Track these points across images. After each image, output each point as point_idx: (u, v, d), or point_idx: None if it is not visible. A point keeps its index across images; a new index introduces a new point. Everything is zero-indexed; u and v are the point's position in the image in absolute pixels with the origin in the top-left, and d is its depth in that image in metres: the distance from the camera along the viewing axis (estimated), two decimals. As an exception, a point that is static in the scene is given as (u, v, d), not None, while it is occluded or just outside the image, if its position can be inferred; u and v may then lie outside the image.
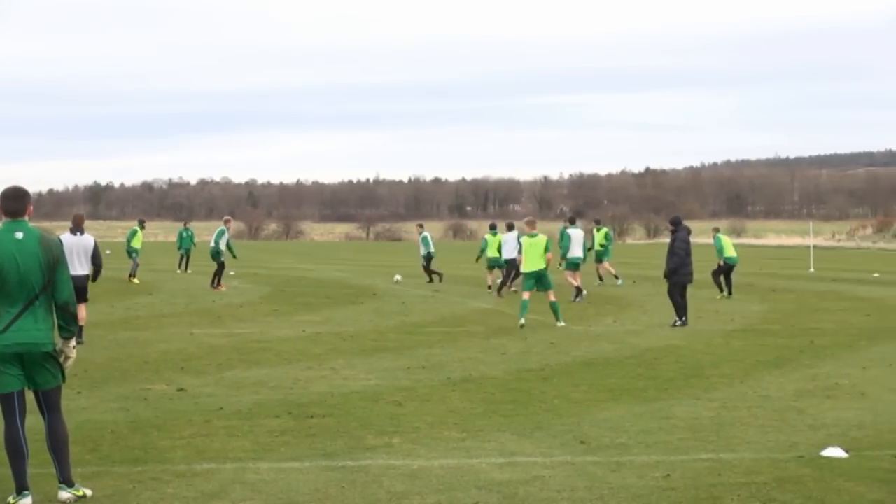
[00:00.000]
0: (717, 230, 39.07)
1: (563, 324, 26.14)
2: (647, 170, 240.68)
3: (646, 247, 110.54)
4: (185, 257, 51.36)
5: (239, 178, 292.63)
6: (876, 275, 51.92)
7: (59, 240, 10.18)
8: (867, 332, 25.27)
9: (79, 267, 21.06)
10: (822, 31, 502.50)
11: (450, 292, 37.84)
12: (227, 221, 41.24)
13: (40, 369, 9.77)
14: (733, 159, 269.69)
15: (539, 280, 26.29)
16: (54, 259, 9.81)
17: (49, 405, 9.89)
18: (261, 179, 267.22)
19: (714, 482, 10.68)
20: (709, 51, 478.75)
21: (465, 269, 54.25)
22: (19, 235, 9.74)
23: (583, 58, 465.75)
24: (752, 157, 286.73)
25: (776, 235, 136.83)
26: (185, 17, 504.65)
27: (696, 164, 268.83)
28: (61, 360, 9.90)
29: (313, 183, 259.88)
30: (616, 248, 50.82)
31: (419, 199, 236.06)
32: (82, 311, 19.95)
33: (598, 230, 43.90)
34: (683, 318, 26.34)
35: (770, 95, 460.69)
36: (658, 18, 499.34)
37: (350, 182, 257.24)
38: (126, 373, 17.97)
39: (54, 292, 9.83)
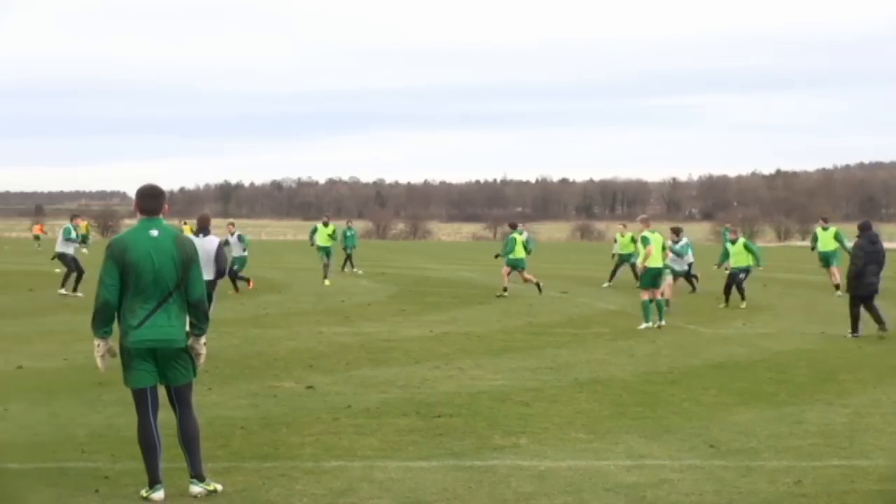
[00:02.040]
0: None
1: (662, 323, 25.90)
2: (778, 171, 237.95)
3: (776, 249, 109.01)
4: (349, 256, 50.61)
5: (367, 177, 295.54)
6: None
7: (192, 240, 10.29)
8: None
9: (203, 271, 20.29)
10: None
11: (577, 293, 37.69)
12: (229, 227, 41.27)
13: (173, 365, 9.91)
14: (866, 161, 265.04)
15: (656, 278, 26.13)
16: (188, 257, 9.93)
17: (181, 400, 10.02)
18: (388, 179, 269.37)
19: (846, 489, 10.51)
20: (841, 50, 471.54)
21: (591, 270, 54.00)
22: (155, 233, 9.86)
23: (713, 57, 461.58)
24: (886, 158, 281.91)
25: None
26: (316, 19, 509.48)
27: (828, 165, 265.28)
28: (193, 356, 10.03)
29: (441, 183, 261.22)
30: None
31: (546, 200, 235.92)
32: None
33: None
34: (855, 332, 24.17)
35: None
36: (789, 16, 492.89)
37: (477, 182, 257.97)
38: (256, 370, 18.16)
39: (187, 290, 9.94)
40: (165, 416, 10.14)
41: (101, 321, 9.86)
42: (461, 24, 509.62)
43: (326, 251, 43.49)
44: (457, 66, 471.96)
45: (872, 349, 22.01)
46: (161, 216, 10.08)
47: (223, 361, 18.83)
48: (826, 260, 38.80)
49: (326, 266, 43.13)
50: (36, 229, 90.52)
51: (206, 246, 19.59)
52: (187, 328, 10.09)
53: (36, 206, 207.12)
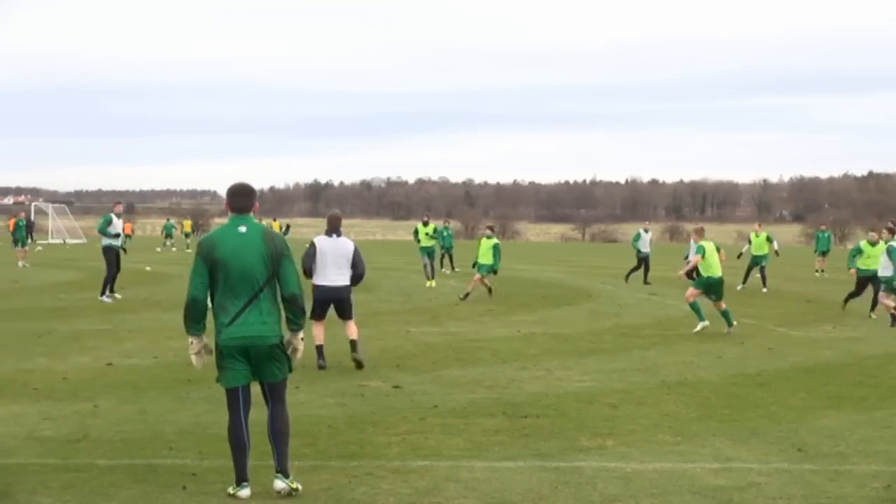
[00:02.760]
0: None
1: (735, 324, 25.66)
2: (871, 173, 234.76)
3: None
4: (448, 255, 50.86)
5: (456, 177, 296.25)
6: None
7: (283, 237, 10.26)
8: None
9: (336, 276, 18.65)
10: None
11: (665, 295, 37.49)
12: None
13: (267, 362, 9.92)
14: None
15: (713, 287, 25.88)
16: (278, 252, 9.92)
17: (274, 396, 10.07)
18: (477, 179, 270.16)
19: (937, 495, 10.39)
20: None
21: (680, 271, 53.71)
22: (243, 230, 9.90)
23: (804, 58, 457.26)
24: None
25: None
26: (406, 19, 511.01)
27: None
28: (289, 351, 10.05)
29: (530, 183, 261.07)
30: (837, 252, 49.39)
31: (636, 201, 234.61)
32: (353, 329, 18.97)
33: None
34: None
35: None
36: (878, 15, 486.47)
37: (566, 183, 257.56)
38: (343, 369, 18.26)
39: (280, 285, 9.96)
40: (256, 414, 10.23)
41: (192, 318, 9.95)
42: (551, 24, 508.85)
43: (428, 251, 43.30)
44: (547, 67, 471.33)
45: (966, 353, 21.70)
46: (252, 214, 10.11)
47: (311, 360, 18.96)
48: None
49: (427, 266, 42.84)
50: (126, 228, 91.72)
51: (343, 248, 18.55)
52: (282, 324, 10.05)
53: (127, 205, 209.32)
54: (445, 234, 50.23)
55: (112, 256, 31.75)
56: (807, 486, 10.64)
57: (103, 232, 31.84)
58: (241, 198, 10.10)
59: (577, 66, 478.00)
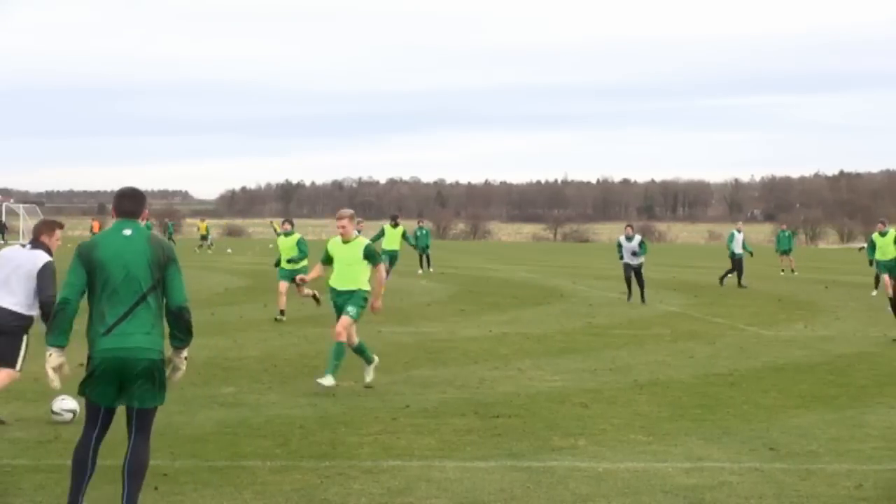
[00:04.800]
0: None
1: None
2: (842, 172, 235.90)
3: (839, 251, 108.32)
4: (426, 256, 50.52)
5: (427, 177, 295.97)
6: None
7: (171, 243, 9.38)
8: None
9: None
10: None
11: (637, 295, 37.54)
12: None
13: (140, 384, 8.82)
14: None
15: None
16: (165, 258, 8.88)
17: (140, 426, 8.97)
18: (449, 179, 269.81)
19: (908, 493, 10.43)
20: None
21: (651, 271, 53.86)
22: (127, 232, 8.90)
23: (776, 58, 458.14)
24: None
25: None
26: (378, 19, 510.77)
27: (893, 166, 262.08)
28: (169, 370, 9.00)
29: (501, 183, 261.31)
30: (808, 252, 49.53)
31: (607, 201, 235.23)
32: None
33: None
34: None
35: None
36: (850, 16, 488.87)
37: (538, 182, 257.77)
38: (315, 369, 18.21)
39: (167, 295, 8.91)
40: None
41: (57, 326, 9.11)
42: (521, 24, 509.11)
43: (392, 256, 40.96)
44: (518, 67, 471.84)
45: (936, 352, 21.79)
46: (140, 220, 9.16)
47: (282, 361, 18.93)
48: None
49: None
50: (94, 226, 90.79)
51: (30, 260, 13.02)
52: (164, 340, 8.99)
53: (99, 205, 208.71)
54: (419, 234, 50.18)
55: None
56: (778, 485, 10.66)
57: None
58: (128, 201, 9.11)
59: (549, 65, 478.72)
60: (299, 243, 27.68)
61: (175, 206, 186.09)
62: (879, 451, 12.37)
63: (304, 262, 27.46)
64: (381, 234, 41.34)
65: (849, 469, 11.41)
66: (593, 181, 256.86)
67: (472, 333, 24.42)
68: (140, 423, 8.94)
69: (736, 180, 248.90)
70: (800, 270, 53.43)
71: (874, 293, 37.62)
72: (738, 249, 43.33)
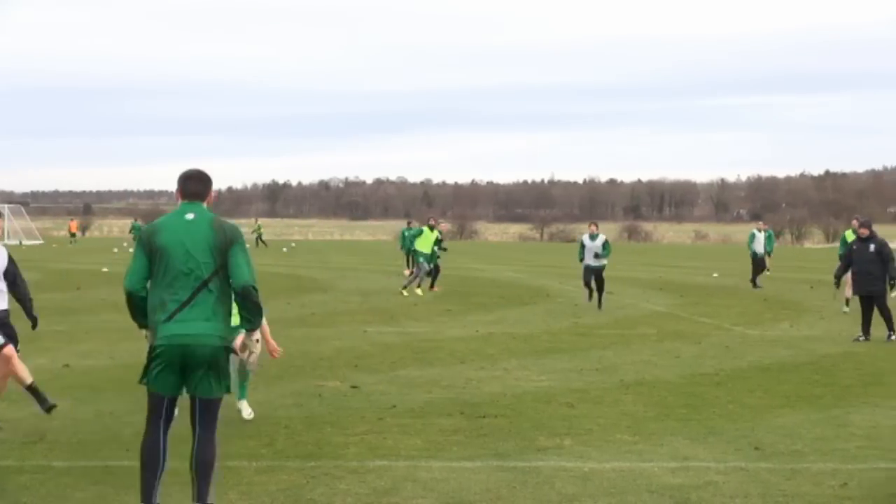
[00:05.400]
0: None
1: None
2: (827, 172, 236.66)
3: (825, 251, 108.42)
4: (412, 256, 50.49)
5: (414, 177, 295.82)
6: None
7: (235, 225, 9.00)
8: None
9: None
10: None
11: (623, 294, 37.60)
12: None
13: (203, 372, 8.64)
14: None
15: None
16: (228, 241, 8.66)
17: (205, 418, 8.78)
18: (436, 179, 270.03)
19: (893, 492, 10.46)
20: (892, 49, 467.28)
21: (638, 271, 53.91)
22: (190, 216, 8.72)
23: (762, 58, 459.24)
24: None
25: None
26: (365, 19, 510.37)
27: (878, 166, 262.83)
28: (244, 355, 8.79)
29: (488, 183, 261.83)
30: (794, 251, 49.45)
31: (594, 200, 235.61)
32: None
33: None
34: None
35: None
36: (838, 16, 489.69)
37: (525, 183, 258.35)
38: (301, 369, 18.21)
39: (231, 276, 8.65)
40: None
41: (133, 313, 8.83)
42: (509, 25, 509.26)
43: (428, 258, 38.70)
44: (505, 67, 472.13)
45: (921, 352, 21.83)
46: (205, 203, 8.93)
47: (268, 361, 18.88)
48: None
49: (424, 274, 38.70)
50: (71, 226, 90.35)
51: None
52: (229, 327, 8.83)
53: (84, 205, 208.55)
54: (407, 234, 50.24)
55: None
56: (763, 484, 10.67)
57: None
58: (193, 182, 8.92)
59: (536, 66, 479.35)
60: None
61: (161, 207, 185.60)
62: (864, 450, 12.38)
63: None
64: (420, 233, 39.69)
65: (834, 468, 11.43)
66: (580, 181, 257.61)
67: (458, 333, 24.42)
68: (204, 416, 8.74)
69: (722, 180, 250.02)
70: (786, 271, 53.50)
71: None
72: (760, 249, 43.27)
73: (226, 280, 8.67)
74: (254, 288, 8.67)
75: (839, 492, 10.41)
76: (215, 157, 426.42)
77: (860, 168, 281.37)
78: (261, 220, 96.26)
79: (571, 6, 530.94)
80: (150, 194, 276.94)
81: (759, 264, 43.25)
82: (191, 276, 8.55)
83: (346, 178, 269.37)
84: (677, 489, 10.42)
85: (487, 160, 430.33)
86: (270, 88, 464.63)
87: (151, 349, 8.67)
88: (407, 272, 48.43)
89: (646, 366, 19.30)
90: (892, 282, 24.10)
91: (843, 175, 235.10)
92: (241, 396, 13.62)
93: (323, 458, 11.54)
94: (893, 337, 23.83)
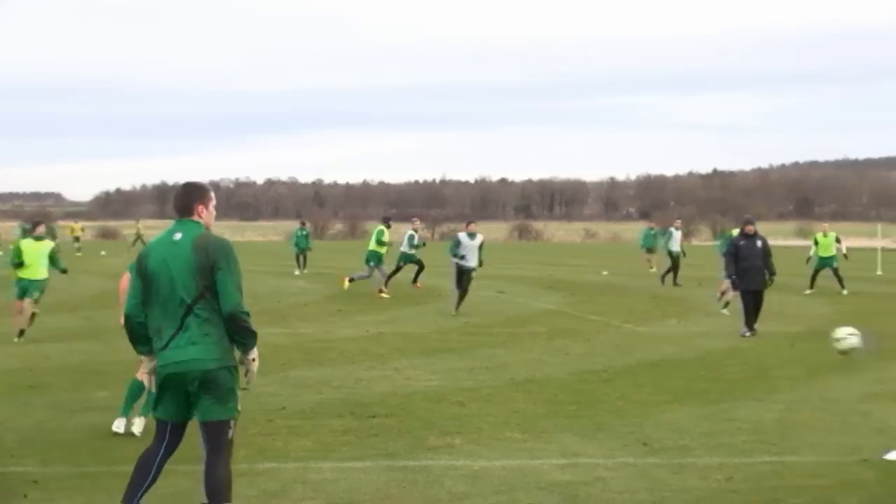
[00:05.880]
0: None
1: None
2: (715, 171, 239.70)
3: (711, 248, 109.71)
4: (303, 257, 50.92)
5: (305, 177, 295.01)
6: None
7: (225, 240, 8.70)
8: (936, 335, 24.90)
9: None
10: (891, 30, 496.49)
11: (514, 293, 37.78)
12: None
13: (202, 395, 8.37)
14: (801, 161, 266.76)
15: None
16: (210, 263, 8.34)
17: (210, 442, 8.47)
18: (327, 179, 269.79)
19: (777, 485, 10.61)
20: (778, 51, 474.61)
21: (529, 269, 54.16)
22: (177, 237, 8.51)
23: (650, 58, 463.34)
24: (821, 158, 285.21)
25: (844, 237, 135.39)
26: (253, 19, 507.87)
27: (765, 165, 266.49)
28: (243, 374, 8.56)
29: (379, 183, 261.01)
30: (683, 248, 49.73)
31: (485, 200, 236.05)
32: None
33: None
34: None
35: (839, 96, 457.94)
36: (726, 18, 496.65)
37: (416, 182, 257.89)
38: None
39: (219, 301, 8.36)
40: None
41: (133, 340, 8.67)
42: (397, 23, 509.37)
43: (378, 258, 38.27)
44: (394, 67, 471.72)
45: (804, 347, 22.16)
46: (196, 216, 8.68)
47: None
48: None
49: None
50: None
51: None
52: (226, 348, 8.50)
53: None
54: (300, 234, 50.67)
55: None
56: (651, 479, 10.79)
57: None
58: (178, 198, 8.72)
59: (426, 65, 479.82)
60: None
61: (48, 208, 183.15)
62: (749, 444, 12.57)
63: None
64: (381, 235, 39.35)
65: (720, 462, 11.59)
66: (471, 181, 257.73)
67: (348, 333, 24.38)
68: (209, 439, 8.45)
69: (612, 179, 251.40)
70: (657, 267, 53.90)
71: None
72: (676, 248, 43.43)
73: (214, 300, 8.39)
74: (242, 313, 8.40)
75: (725, 485, 10.57)
76: (104, 157, 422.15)
77: (747, 166, 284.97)
78: (148, 222, 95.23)
79: (464, 6, 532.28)
80: (36, 196, 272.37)
81: (674, 262, 43.31)
82: (177, 301, 8.36)
83: (237, 179, 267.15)
84: (566, 485, 10.50)
85: (379, 160, 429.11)
86: (158, 88, 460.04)
87: (157, 376, 8.54)
88: (297, 272, 48.43)
89: (536, 364, 19.41)
90: (772, 277, 24.54)
91: (731, 173, 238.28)
92: (144, 413, 13.28)
93: (212, 461, 11.44)
94: (749, 334, 24.27)
